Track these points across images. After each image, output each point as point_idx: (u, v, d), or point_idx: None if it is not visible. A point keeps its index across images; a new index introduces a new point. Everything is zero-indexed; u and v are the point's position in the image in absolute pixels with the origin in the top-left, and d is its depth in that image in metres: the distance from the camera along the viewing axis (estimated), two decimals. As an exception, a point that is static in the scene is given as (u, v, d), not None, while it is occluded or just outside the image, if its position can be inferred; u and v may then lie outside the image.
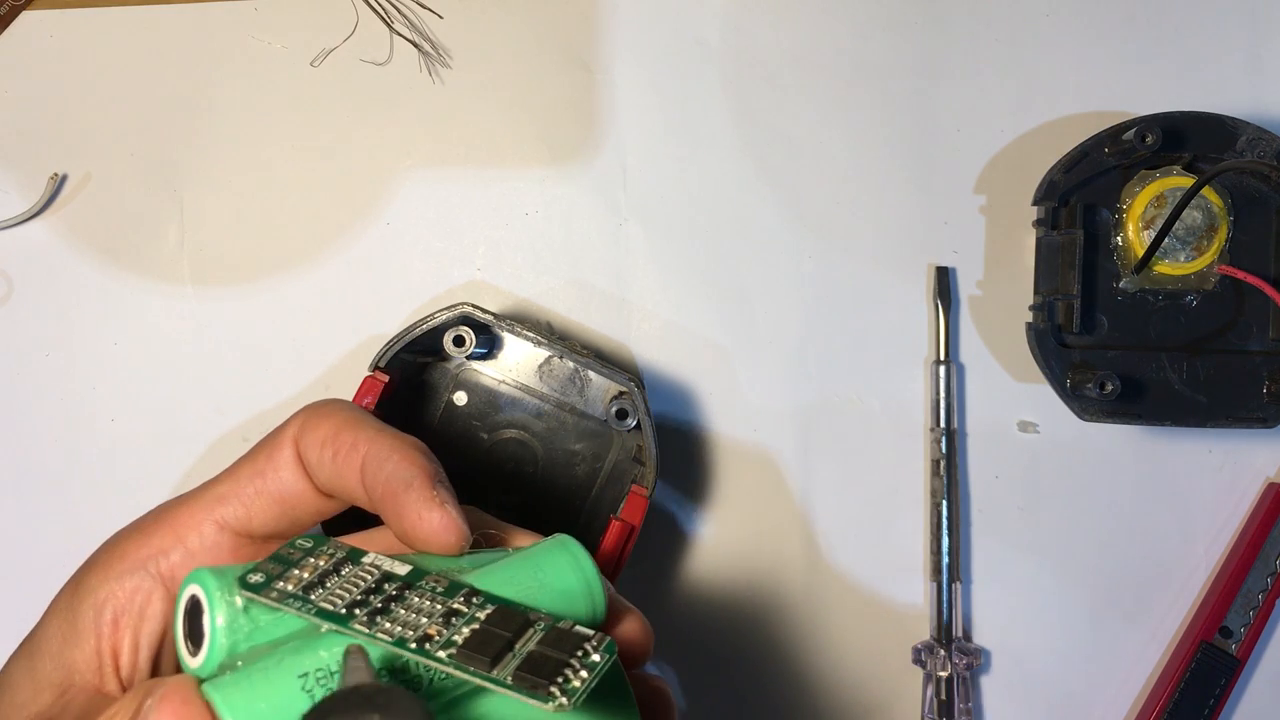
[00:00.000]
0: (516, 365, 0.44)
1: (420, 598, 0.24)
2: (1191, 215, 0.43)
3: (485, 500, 0.43)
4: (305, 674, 0.22)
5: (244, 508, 0.28)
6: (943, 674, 0.46)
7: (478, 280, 0.47)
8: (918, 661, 0.46)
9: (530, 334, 0.41)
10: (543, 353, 0.43)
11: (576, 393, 0.44)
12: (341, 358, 0.47)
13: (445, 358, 0.43)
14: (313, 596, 0.23)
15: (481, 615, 0.24)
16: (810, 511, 0.47)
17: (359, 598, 0.23)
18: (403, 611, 0.23)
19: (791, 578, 0.47)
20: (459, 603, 0.24)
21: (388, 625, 0.23)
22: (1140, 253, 0.43)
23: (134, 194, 0.47)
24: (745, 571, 0.47)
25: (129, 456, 0.47)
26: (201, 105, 0.47)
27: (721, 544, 0.47)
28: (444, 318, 0.41)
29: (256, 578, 0.24)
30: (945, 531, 0.46)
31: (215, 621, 0.23)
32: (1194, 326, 0.44)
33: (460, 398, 0.44)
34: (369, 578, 0.24)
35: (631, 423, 0.41)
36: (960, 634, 0.46)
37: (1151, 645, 0.47)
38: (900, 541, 0.47)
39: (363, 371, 0.41)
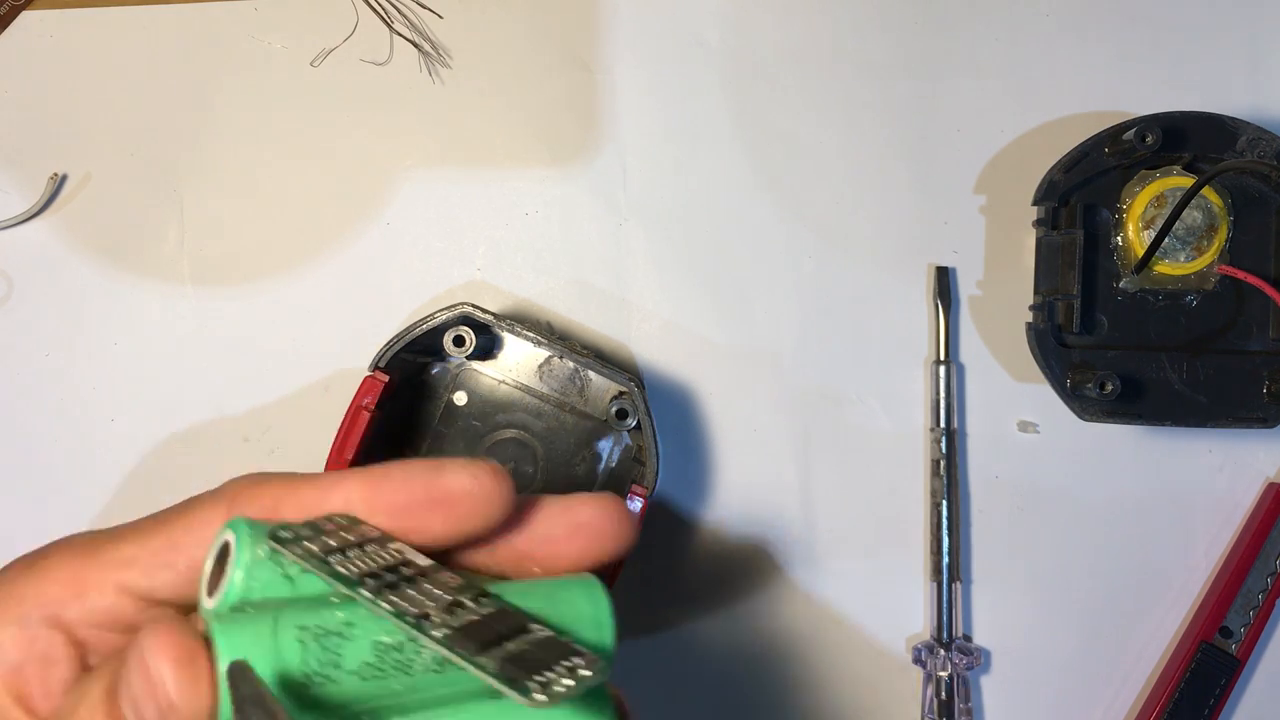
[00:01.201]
0: (516, 365, 0.44)
1: (433, 585, 0.25)
2: (1191, 215, 0.43)
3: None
4: (305, 627, 0.23)
5: (147, 580, 0.26)
6: (943, 674, 0.46)
7: (478, 280, 0.47)
8: (918, 661, 0.46)
9: (530, 334, 0.41)
10: (543, 353, 0.43)
11: (576, 393, 0.44)
12: (341, 358, 0.47)
13: (445, 358, 0.43)
14: (331, 559, 0.24)
15: (483, 612, 0.24)
16: (810, 511, 0.47)
17: (374, 570, 0.24)
18: (411, 592, 0.24)
19: (791, 577, 0.47)
20: (467, 598, 0.25)
21: (393, 597, 0.24)
22: (1140, 253, 0.43)
23: (134, 194, 0.47)
24: (745, 571, 0.47)
25: (129, 456, 0.47)
26: (201, 105, 0.47)
27: (721, 543, 0.47)
28: (444, 318, 0.41)
29: (286, 534, 0.25)
30: (945, 531, 0.46)
31: (238, 566, 0.24)
32: (1194, 326, 0.44)
33: (460, 398, 0.44)
34: (390, 558, 0.25)
35: (631, 423, 0.41)
36: (960, 634, 0.46)
37: (1151, 645, 0.47)
38: (900, 541, 0.47)
39: (363, 371, 0.41)
